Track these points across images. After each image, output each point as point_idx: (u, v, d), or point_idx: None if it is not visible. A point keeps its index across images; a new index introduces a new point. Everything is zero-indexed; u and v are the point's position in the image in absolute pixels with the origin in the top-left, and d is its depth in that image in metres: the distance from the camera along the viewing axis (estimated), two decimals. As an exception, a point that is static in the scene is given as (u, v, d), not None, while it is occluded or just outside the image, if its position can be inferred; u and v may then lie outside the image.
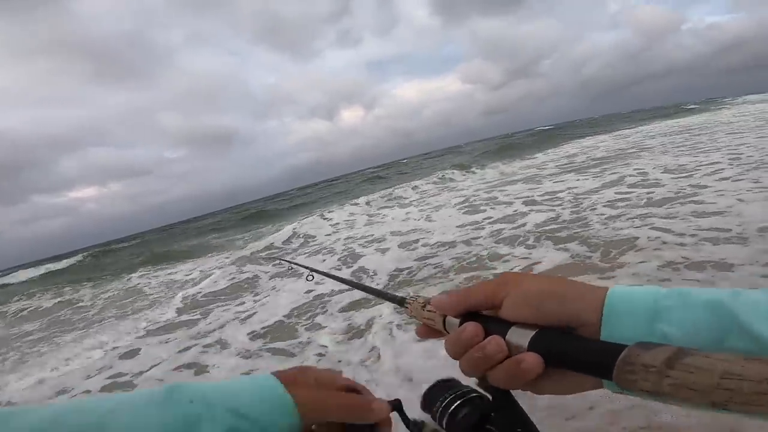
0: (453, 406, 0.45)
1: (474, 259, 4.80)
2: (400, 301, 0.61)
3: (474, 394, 0.46)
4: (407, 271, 5.05)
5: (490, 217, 6.80)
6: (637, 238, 4.10)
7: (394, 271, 5.18)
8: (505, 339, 0.40)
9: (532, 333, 0.39)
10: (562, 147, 19.58)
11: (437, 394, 0.48)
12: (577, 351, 0.35)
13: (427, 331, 0.52)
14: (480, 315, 0.45)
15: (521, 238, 5.08)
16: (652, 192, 5.92)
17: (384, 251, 6.31)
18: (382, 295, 0.72)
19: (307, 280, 1.84)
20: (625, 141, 15.69)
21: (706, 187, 5.50)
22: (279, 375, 0.44)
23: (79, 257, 24.91)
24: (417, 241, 6.43)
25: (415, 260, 5.38)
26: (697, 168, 6.90)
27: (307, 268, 1.87)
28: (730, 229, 3.75)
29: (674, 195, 5.48)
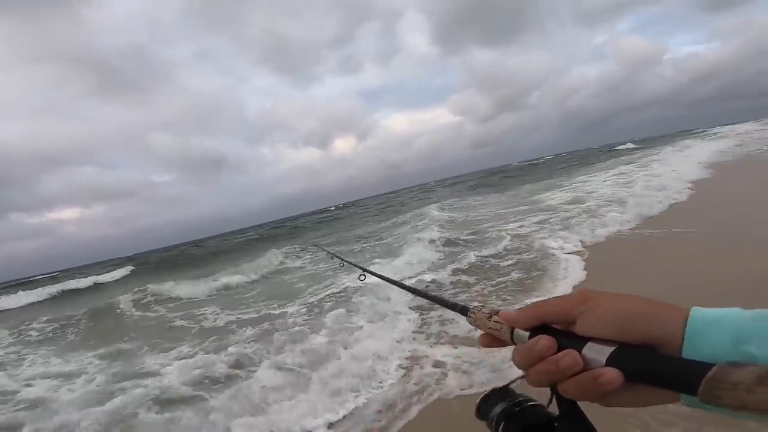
0: (511, 415, 0.47)
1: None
2: (462, 310, 0.60)
3: (531, 403, 0.48)
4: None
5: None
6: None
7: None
8: (581, 353, 0.41)
9: (610, 349, 0.40)
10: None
11: (493, 402, 0.50)
12: (662, 368, 0.36)
13: (491, 341, 0.52)
14: (550, 328, 0.46)
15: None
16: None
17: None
18: (442, 303, 0.71)
19: (359, 279, 1.79)
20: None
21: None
22: None
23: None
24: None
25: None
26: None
27: (359, 267, 1.81)
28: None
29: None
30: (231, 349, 4.39)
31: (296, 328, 4.69)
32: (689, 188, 8.71)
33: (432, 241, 7.93)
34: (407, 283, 1.44)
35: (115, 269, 21.03)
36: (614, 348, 0.40)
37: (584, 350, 0.41)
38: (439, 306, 0.75)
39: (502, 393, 0.51)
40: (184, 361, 4.44)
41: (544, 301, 0.48)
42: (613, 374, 0.39)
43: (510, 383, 0.52)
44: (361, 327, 4.24)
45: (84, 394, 4.02)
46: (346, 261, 2.57)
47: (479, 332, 0.55)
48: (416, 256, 7.20)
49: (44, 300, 15.61)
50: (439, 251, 7.44)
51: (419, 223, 12.36)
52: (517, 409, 0.48)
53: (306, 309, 5.63)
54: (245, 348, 4.41)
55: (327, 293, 6.20)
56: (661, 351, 0.39)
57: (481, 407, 0.51)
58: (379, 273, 1.47)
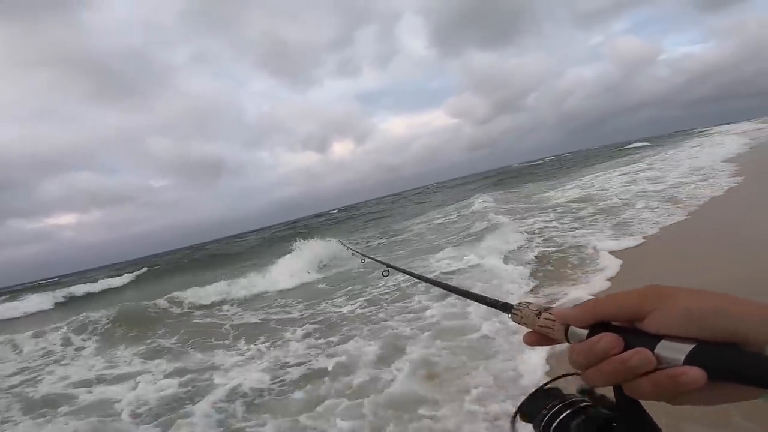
0: (562, 416, 0.44)
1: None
2: (504, 307, 0.58)
3: (584, 404, 0.45)
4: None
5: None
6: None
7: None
8: (653, 352, 0.38)
9: (689, 347, 0.37)
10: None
11: (540, 402, 0.47)
12: (752, 366, 0.35)
13: (539, 339, 0.50)
14: (611, 326, 0.43)
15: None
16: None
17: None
18: (478, 299, 0.68)
19: (382, 275, 1.78)
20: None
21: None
22: None
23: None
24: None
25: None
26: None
27: (382, 263, 1.77)
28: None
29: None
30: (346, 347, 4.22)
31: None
32: (714, 185, 8.90)
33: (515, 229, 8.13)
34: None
35: (122, 273, 21.10)
36: (694, 346, 0.37)
37: (657, 349, 0.39)
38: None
39: (549, 393, 0.49)
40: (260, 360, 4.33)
41: (602, 297, 0.45)
42: (696, 373, 0.36)
43: (552, 381, 0.51)
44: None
45: (169, 393, 3.96)
46: (368, 257, 2.71)
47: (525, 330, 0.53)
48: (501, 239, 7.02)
49: (56, 305, 15.47)
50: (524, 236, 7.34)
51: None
52: (569, 410, 0.45)
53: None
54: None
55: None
56: (745, 348, 0.37)
57: (527, 407, 0.49)
58: (404, 268, 1.43)
